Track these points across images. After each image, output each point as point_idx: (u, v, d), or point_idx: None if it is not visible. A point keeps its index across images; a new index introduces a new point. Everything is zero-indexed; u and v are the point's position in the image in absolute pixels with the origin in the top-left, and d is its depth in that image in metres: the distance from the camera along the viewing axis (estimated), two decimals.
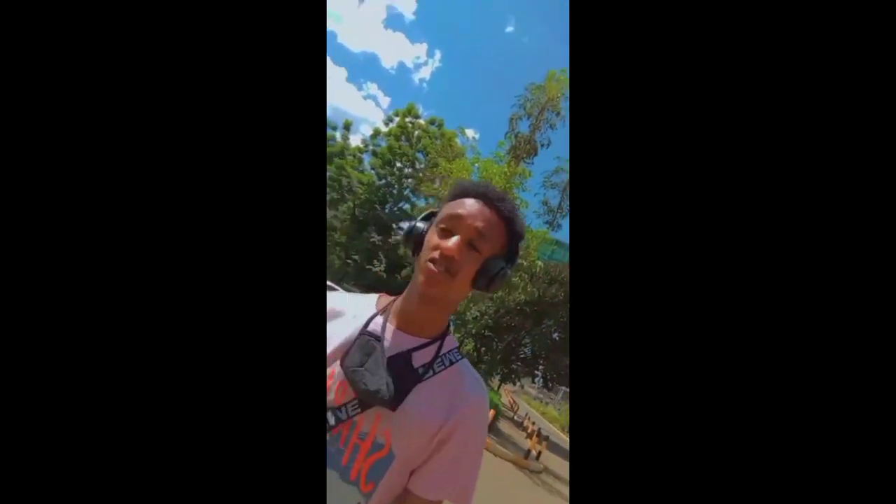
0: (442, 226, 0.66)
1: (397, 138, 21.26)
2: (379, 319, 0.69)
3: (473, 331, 14.84)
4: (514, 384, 13.75)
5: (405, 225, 0.69)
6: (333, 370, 0.64)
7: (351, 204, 21.01)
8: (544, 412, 24.39)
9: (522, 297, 11.86)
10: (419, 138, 21.29)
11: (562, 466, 8.97)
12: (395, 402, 0.61)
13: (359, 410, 0.61)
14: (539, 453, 8.26)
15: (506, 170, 11.87)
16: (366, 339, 0.65)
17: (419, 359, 0.66)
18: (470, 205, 0.66)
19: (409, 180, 21.33)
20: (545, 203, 13.48)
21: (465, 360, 0.70)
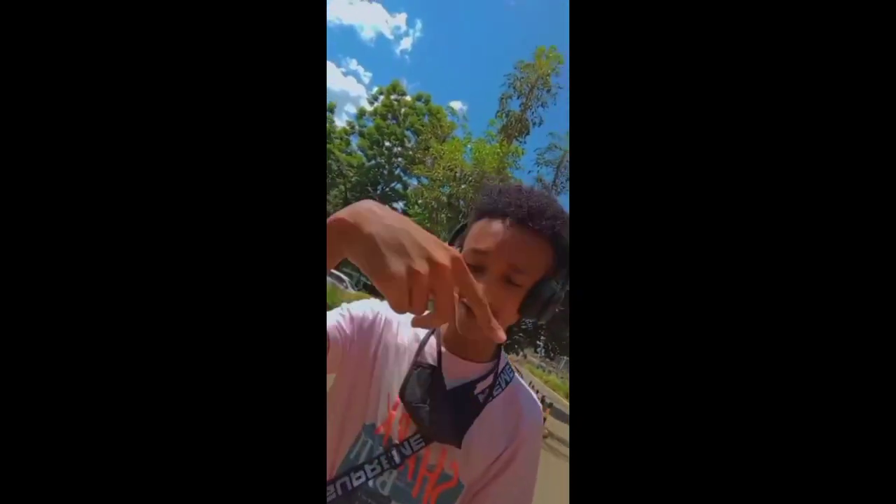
0: (469, 261, 0.57)
1: (384, 118, 20.89)
2: (432, 342, 0.65)
3: None
4: (517, 354, 14.14)
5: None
6: (398, 401, 0.61)
7: (342, 188, 20.82)
8: (547, 380, 25.36)
9: None
10: (406, 115, 20.92)
11: (566, 431, 9.44)
12: (460, 437, 0.59)
13: (423, 444, 0.60)
14: (544, 419, 8.65)
15: (498, 149, 11.80)
16: (423, 371, 0.62)
17: (479, 386, 0.63)
18: (498, 233, 0.57)
19: (400, 159, 21.09)
20: (540, 180, 13.43)
21: (518, 377, 0.68)
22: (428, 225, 11.85)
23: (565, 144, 13.21)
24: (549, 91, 12.93)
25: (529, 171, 13.72)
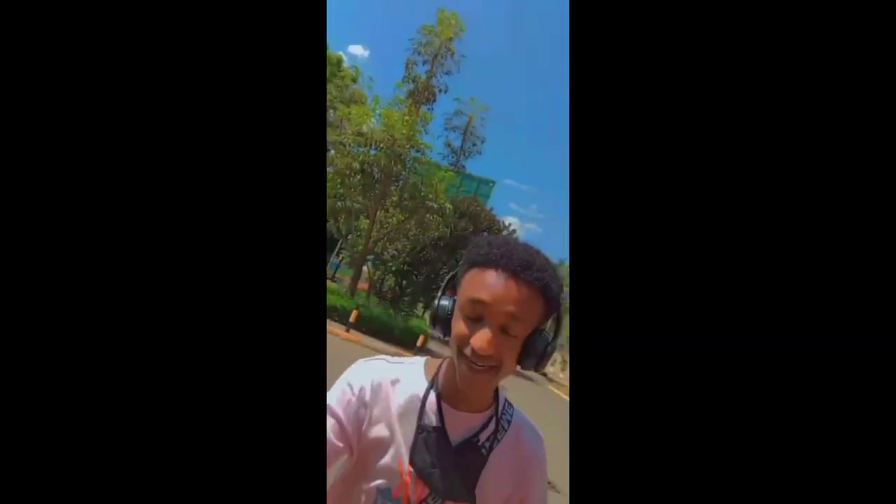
0: (466, 313, 0.58)
1: None
2: (432, 399, 0.64)
3: (393, 268, 15.54)
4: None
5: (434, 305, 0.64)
6: (409, 469, 0.62)
7: None
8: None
9: (436, 233, 12.66)
10: None
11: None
12: (472, 493, 0.62)
13: (440, 501, 0.62)
14: None
15: (406, 116, 11.96)
16: (430, 435, 0.63)
17: (482, 437, 0.64)
18: (495, 284, 0.57)
19: None
20: (448, 145, 13.96)
21: (518, 410, 0.70)
22: (341, 190, 11.90)
23: (470, 110, 13.78)
24: (453, 56, 13.26)
25: (438, 136, 14.11)
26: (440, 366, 0.67)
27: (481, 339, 0.55)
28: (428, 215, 12.04)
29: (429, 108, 13.42)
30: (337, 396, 0.63)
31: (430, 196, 11.97)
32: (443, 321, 0.62)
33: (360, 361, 0.69)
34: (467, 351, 0.57)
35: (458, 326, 0.58)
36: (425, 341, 10.11)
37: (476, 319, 0.57)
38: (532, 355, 0.59)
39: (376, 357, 0.71)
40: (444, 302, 0.63)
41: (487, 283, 0.57)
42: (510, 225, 17.16)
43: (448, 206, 12.42)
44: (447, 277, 0.67)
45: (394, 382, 0.65)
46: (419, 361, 0.70)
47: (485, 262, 0.58)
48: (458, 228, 13.67)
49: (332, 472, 0.66)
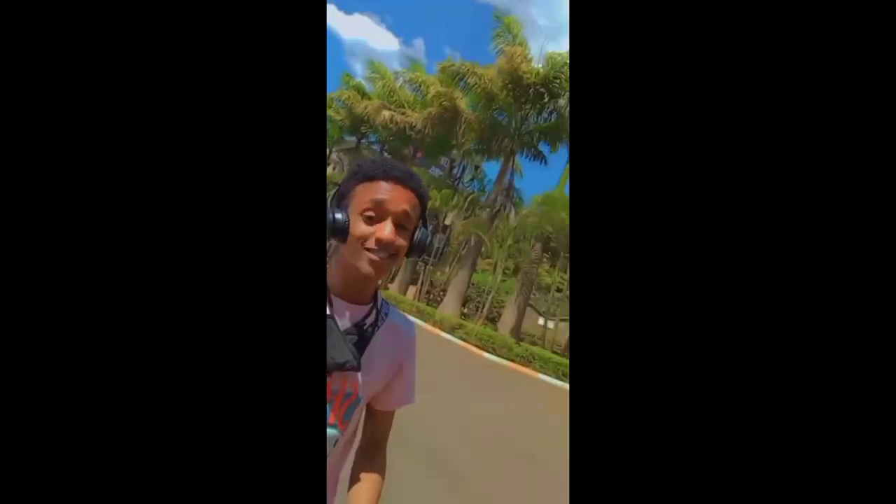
0: (369, 213, 0.69)
1: None
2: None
3: None
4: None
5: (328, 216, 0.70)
6: None
7: None
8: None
9: None
10: None
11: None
12: (358, 363, 0.73)
13: (328, 376, 0.72)
14: None
15: None
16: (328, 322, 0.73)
17: (367, 322, 0.78)
18: (388, 189, 0.70)
19: None
20: None
21: (392, 306, 0.84)
22: None
23: None
24: None
25: None
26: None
27: (385, 230, 0.69)
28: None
29: None
30: None
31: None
32: (341, 229, 0.70)
33: None
34: (369, 244, 0.70)
35: (359, 228, 0.70)
36: None
37: (375, 220, 0.70)
38: (420, 247, 0.75)
39: None
40: (339, 214, 0.71)
41: (383, 188, 0.71)
42: None
43: None
44: (332, 193, 0.76)
45: None
46: None
47: (374, 175, 0.72)
48: None
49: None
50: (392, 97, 18.91)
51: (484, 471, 3.67)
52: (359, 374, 0.76)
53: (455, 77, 16.07)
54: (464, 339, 11.51)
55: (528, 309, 14.78)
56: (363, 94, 20.04)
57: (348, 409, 0.77)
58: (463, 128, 16.24)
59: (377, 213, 0.70)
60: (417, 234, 0.75)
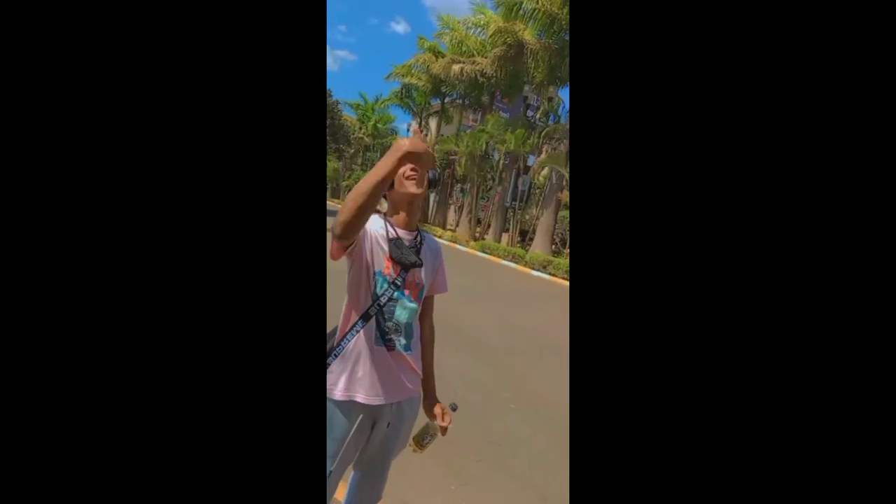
0: (408, 170, 1.24)
1: None
2: (390, 229, 1.27)
3: None
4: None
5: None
6: (389, 256, 1.24)
7: None
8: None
9: None
10: None
11: None
12: (421, 262, 1.28)
13: (404, 274, 1.26)
14: None
15: None
16: (397, 241, 1.25)
17: (417, 241, 1.31)
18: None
19: None
20: None
21: (426, 233, 1.37)
22: None
23: None
24: None
25: None
26: (384, 214, 1.33)
27: (420, 176, 1.25)
28: None
29: None
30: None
31: None
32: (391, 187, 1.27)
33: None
34: (412, 184, 1.25)
35: (402, 183, 1.26)
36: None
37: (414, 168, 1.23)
38: (432, 180, 1.29)
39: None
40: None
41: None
42: None
43: None
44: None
45: (371, 223, 1.26)
46: (376, 215, 1.33)
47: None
48: None
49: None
50: (462, 47, 18.72)
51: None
52: (422, 270, 1.29)
53: (513, 8, 15.24)
54: (552, 274, 11.71)
55: None
56: (437, 54, 20.22)
57: (419, 293, 1.30)
58: (531, 60, 15.43)
59: (413, 168, 1.23)
60: (430, 174, 1.26)
